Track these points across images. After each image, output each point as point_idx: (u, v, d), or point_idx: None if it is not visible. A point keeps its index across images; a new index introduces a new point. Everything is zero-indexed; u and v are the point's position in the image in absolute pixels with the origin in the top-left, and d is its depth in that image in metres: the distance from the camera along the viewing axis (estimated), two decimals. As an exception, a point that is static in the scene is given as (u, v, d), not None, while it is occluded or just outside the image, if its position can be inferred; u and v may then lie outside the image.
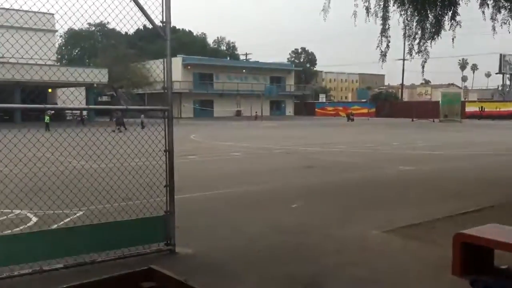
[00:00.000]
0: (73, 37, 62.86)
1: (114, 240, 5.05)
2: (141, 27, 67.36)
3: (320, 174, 12.21)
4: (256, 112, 53.42)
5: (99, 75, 35.53)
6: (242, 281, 4.67)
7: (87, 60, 62.22)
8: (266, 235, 6.30)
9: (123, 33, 50.46)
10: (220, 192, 9.43)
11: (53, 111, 29.67)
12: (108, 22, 50.33)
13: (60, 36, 57.98)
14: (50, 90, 41.27)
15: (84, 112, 37.24)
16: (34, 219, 6.67)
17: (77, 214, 6.71)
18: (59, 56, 55.95)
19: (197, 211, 7.43)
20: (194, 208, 7.49)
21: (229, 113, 59.50)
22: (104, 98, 57.00)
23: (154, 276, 3.20)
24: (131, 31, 47.74)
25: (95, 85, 41.87)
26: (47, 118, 27.76)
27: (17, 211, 6.74)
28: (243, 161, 15.37)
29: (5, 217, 6.65)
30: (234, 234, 6.35)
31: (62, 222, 6.37)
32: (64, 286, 2.92)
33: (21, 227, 6.19)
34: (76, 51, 66.40)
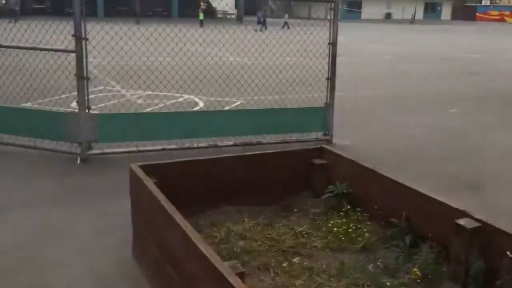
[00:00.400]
0: None
1: (277, 126, 5.44)
2: None
3: (483, 82, 11.30)
4: (412, 14, 49.59)
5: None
6: (401, 173, 4.76)
7: None
8: (423, 136, 6.22)
9: None
10: (372, 92, 9.34)
11: (206, 4, 30.75)
12: None
13: None
14: None
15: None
16: (201, 104, 7.40)
17: (237, 103, 7.25)
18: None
19: (350, 109, 7.52)
20: (347, 105, 7.58)
21: (378, 15, 56.16)
22: None
23: (325, 155, 3.45)
24: None
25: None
26: (201, 15, 29.00)
27: (186, 96, 7.49)
28: (395, 64, 14.77)
29: (180, 99, 7.46)
30: (388, 132, 6.38)
31: (226, 108, 6.95)
32: (248, 153, 3.31)
33: (194, 108, 6.93)
34: None
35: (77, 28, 4.82)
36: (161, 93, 6.99)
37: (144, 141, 5.22)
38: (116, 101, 6.64)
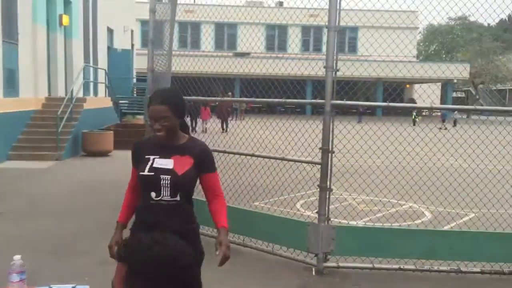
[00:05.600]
0: (432, 33, 57.97)
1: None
2: (506, 18, 59.35)
3: None
4: None
5: (458, 70, 33.08)
6: None
7: (443, 56, 58.54)
8: None
9: (486, 25, 46.67)
10: None
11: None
12: (470, 15, 46.54)
13: (419, 33, 53.94)
14: (408, 86, 41.47)
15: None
16: (428, 214, 7.06)
17: (470, 216, 6.83)
18: (417, 52, 52.08)
19: None
20: None
21: None
22: (458, 94, 54.37)
23: None
24: (494, 23, 43.35)
25: (455, 80, 40.55)
26: (413, 114, 27.32)
27: (410, 204, 7.20)
28: None
29: (403, 207, 7.22)
30: None
31: (454, 223, 6.54)
32: None
33: (417, 222, 6.65)
34: (434, 46, 61.27)
35: (325, 141, 4.92)
36: (383, 199, 6.88)
37: (380, 257, 5.07)
38: (338, 205, 6.64)
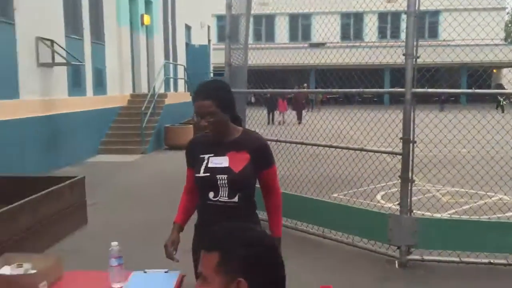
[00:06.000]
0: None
1: None
2: None
3: None
4: None
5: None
6: None
7: None
8: None
9: None
10: None
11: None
12: None
13: (507, 13, 48.81)
14: (495, 71, 40.10)
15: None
16: None
17: None
18: (505, 35, 46.89)
19: None
20: None
21: None
22: None
23: None
24: None
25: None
26: (501, 100, 25.54)
27: (499, 196, 6.77)
28: None
29: (492, 199, 6.84)
30: None
31: None
32: None
33: (508, 214, 6.31)
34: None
35: (406, 131, 4.80)
36: (469, 190, 6.59)
37: (467, 251, 4.87)
38: (421, 196, 6.46)
